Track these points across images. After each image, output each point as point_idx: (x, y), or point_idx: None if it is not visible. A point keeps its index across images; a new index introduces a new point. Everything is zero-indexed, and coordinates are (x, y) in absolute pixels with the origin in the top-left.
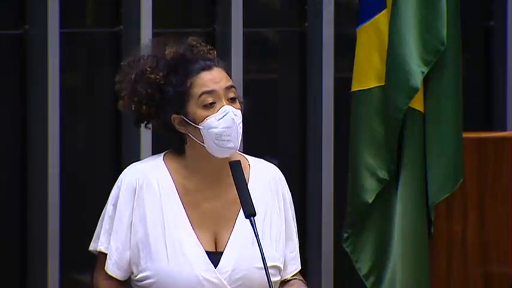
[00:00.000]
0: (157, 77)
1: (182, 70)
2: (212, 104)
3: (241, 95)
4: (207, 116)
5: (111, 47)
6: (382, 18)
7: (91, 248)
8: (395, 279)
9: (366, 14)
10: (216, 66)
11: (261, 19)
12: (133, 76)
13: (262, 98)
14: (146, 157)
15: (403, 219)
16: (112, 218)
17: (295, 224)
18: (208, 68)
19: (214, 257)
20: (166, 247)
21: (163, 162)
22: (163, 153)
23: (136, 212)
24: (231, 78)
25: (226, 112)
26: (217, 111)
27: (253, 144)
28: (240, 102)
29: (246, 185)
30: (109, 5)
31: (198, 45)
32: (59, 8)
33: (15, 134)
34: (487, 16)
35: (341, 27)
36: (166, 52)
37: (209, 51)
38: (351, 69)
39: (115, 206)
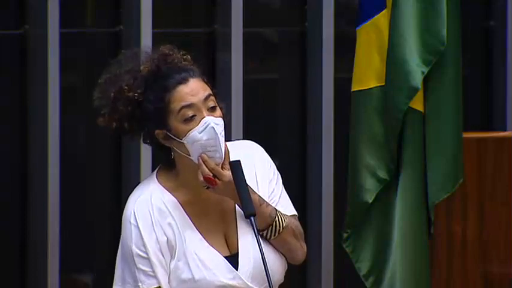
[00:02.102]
0: (135, 94)
1: (159, 86)
2: (193, 117)
3: (240, 94)
4: (189, 130)
5: (111, 47)
6: (382, 18)
7: None
8: (395, 279)
9: (366, 14)
10: (192, 77)
11: (261, 19)
12: (112, 94)
13: (262, 98)
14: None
15: (403, 219)
16: (144, 257)
17: (277, 184)
18: (184, 81)
19: (233, 260)
20: (188, 262)
21: (158, 184)
22: (154, 173)
23: (160, 240)
24: (207, 83)
25: (207, 124)
26: (199, 123)
27: None
28: (220, 108)
29: (246, 185)
30: (109, 5)
31: (172, 53)
32: (59, 8)
33: (15, 133)
34: (487, 16)
35: (341, 27)
36: (142, 67)
37: (183, 57)
38: (351, 69)
39: (144, 245)
